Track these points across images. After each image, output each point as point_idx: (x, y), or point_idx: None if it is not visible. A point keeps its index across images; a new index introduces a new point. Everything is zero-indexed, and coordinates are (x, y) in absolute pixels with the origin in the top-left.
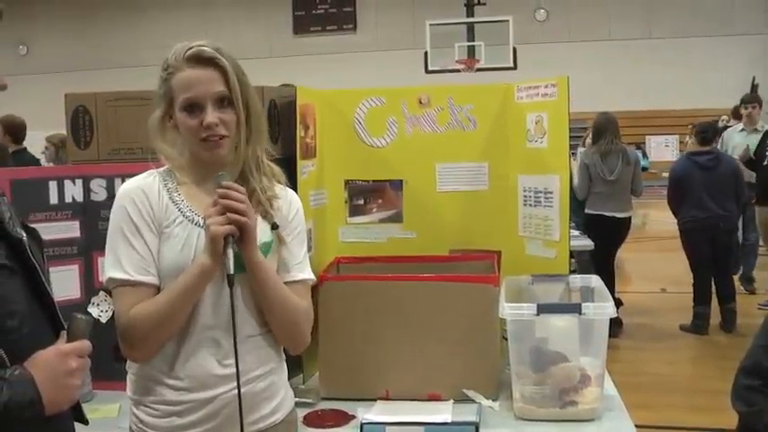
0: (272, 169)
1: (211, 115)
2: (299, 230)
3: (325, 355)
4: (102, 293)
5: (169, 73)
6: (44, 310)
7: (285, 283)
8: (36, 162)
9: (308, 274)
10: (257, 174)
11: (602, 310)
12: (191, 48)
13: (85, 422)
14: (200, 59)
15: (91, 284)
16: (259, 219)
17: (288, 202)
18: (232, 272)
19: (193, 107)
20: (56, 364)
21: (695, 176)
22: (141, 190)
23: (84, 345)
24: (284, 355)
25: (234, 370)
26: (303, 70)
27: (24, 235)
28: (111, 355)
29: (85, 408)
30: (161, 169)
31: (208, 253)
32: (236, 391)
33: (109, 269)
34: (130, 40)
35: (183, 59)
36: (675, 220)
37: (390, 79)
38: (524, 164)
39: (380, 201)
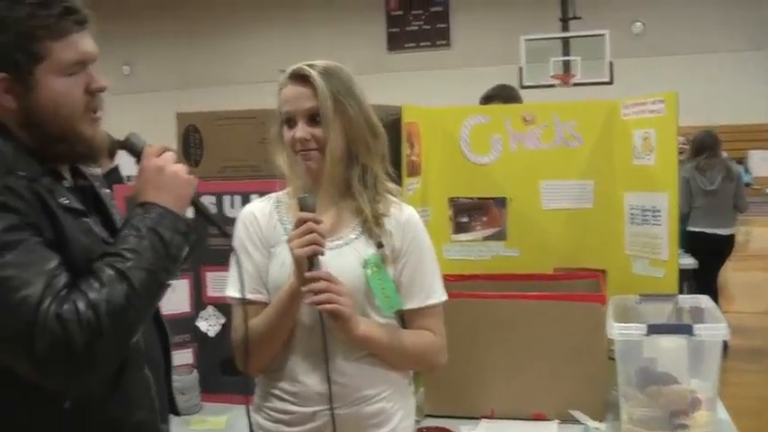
0: (387, 187)
1: (301, 130)
2: (420, 251)
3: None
4: (210, 308)
5: (279, 90)
6: (152, 315)
7: (412, 310)
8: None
9: (435, 298)
10: (364, 192)
11: (714, 331)
12: (295, 67)
13: (177, 413)
14: (297, 76)
15: (200, 298)
16: (364, 238)
17: (402, 223)
18: None
19: (290, 122)
20: (151, 174)
21: None
22: (252, 213)
23: (159, 146)
24: (409, 381)
25: (336, 389)
26: (397, 87)
27: None
28: (218, 369)
29: (193, 419)
30: (282, 192)
31: (295, 274)
32: (339, 410)
33: (226, 287)
34: (227, 58)
35: (286, 77)
36: None
37: None
38: (631, 181)
39: (484, 218)
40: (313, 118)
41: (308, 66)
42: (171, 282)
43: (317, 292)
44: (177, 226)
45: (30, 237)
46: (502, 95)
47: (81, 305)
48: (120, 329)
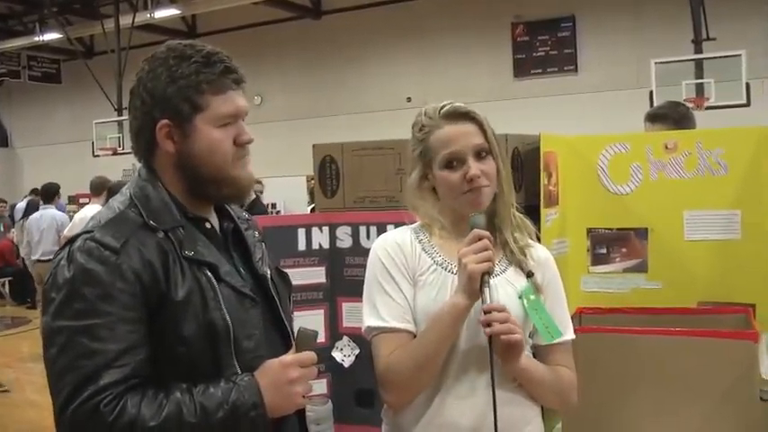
0: (523, 221)
1: (474, 167)
2: (557, 288)
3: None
4: (345, 338)
5: (425, 132)
6: (282, 341)
7: (549, 345)
8: (264, 212)
9: (569, 334)
10: (510, 225)
11: None
12: (444, 106)
13: None
14: (456, 115)
15: (335, 329)
16: (512, 269)
17: (542, 260)
18: None
19: (454, 162)
20: (279, 373)
21: None
22: (396, 242)
23: (307, 356)
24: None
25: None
26: (523, 113)
27: (269, 272)
28: (353, 400)
29: None
30: (414, 225)
31: (463, 292)
32: None
33: (367, 318)
34: (352, 89)
35: (438, 117)
36: None
37: (613, 120)
38: None
39: (624, 249)
40: (479, 154)
41: (457, 104)
42: None
43: (497, 322)
44: (254, 423)
45: (119, 311)
46: (673, 117)
47: (124, 418)
48: None
